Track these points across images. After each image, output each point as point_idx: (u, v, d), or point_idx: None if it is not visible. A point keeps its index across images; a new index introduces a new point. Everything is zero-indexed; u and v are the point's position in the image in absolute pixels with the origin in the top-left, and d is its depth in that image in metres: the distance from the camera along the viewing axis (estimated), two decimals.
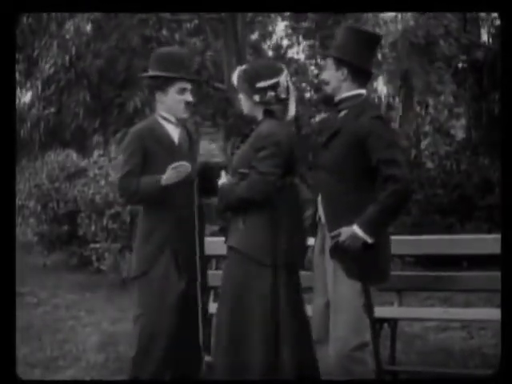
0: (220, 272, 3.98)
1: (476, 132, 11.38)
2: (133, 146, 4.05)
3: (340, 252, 3.48)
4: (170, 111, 4.06)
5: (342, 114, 3.66)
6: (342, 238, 3.46)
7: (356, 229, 3.45)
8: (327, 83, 3.69)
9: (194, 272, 3.96)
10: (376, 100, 12.88)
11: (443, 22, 10.03)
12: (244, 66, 3.87)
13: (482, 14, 11.72)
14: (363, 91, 3.70)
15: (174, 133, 4.07)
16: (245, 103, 3.81)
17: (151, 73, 4.09)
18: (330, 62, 3.68)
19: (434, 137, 12.34)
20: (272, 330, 3.59)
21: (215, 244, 4.45)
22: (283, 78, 3.72)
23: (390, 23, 9.43)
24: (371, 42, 3.73)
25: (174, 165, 3.84)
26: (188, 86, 4.02)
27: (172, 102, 4.03)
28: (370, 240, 3.44)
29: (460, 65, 11.33)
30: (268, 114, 3.74)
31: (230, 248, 3.75)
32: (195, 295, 3.95)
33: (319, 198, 3.70)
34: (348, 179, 3.56)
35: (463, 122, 12.64)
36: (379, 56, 10.11)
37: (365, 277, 3.50)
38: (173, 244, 3.96)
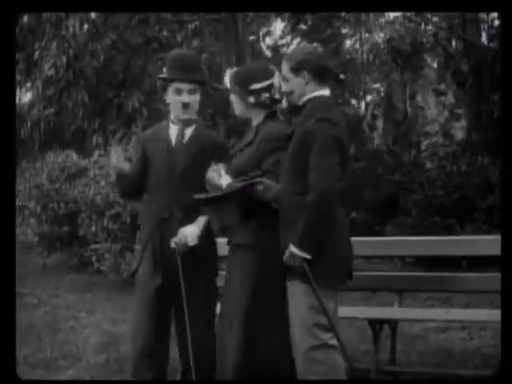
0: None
1: (476, 133, 11.39)
2: (134, 148, 4.20)
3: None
4: (172, 112, 4.08)
5: (299, 113, 3.67)
6: (285, 259, 3.48)
7: (292, 247, 3.45)
8: (291, 93, 3.67)
9: (174, 272, 3.89)
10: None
11: (432, 30, 10.08)
12: (236, 69, 3.92)
13: (482, 14, 11.73)
14: (326, 91, 3.67)
15: (174, 134, 4.06)
16: (238, 105, 3.83)
17: (158, 75, 4.20)
18: (287, 72, 3.65)
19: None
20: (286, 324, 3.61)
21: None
22: (276, 80, 3.75)
23: (377, 29, 9.47)
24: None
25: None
26: (184, 86, 3.98)
27: (171, 103, 4.05)
28: (307, 255, 3.42)
29: (460, 66, 11.36)
30: (270, 115, 3.77)
31: (239, 246, 3.74)
32: (175, 296, 3.90)
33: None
34: (300, 182, 3.52)
35: (463, 122, 12.65)
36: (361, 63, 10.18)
37: (311, 279, 3.46)
38: (153, 242, 3.98)
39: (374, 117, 14.25)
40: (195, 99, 4.02)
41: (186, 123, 4.07)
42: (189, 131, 4.07)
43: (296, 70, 3.61)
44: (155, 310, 3.93)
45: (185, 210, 3.91)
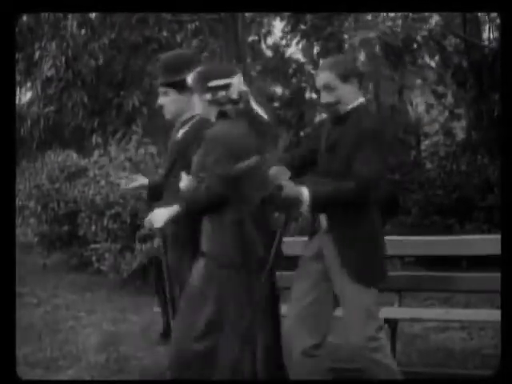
0: None
1: (476, 133, 11.39)
2: None
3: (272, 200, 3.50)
4: None
5: (345, 121, 3.67)
6: (286, 190, 3.46)
7: (304, 189, 3.46)
8: (337, 102, 3.67)
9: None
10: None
11: (426, 26, 10.06)
12: (199, 68, 3.93)
13: (482, 14, 11.73)
14: (363, 98, 3.74)
15: (173, 134, 4.14)
16: (197, 103, 3.84)
17: None
18: (333, 81, 3.65)
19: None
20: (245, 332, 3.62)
21: None
22: (236, 80, 3.76)
23: (370, 24, 9.45)
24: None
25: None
26: (165, 89, 4.08)
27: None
28: (305, 206, 3.44)
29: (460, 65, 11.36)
30: (221, 114, 3.78)
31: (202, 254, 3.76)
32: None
33: None
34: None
35: (463, 122, 12.65)
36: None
37: (367, 279, 3.58)
38: None
39: None
40: (166, 101, 4.10)
41: (179, 124, 4.12)
42: (181, 131, 4.10)
43: (343, 77, 3.63)
44: None
45: None
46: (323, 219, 3.70)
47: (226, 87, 3.73)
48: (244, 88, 3.75)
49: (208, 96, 3.74)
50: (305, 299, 3.73)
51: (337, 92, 3.64)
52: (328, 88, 3.65)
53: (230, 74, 3.77)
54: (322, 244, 3.72)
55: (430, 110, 13.68)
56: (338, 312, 3.79)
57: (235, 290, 3.61)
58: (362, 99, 3.72)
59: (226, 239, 3.63)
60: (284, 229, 3.63)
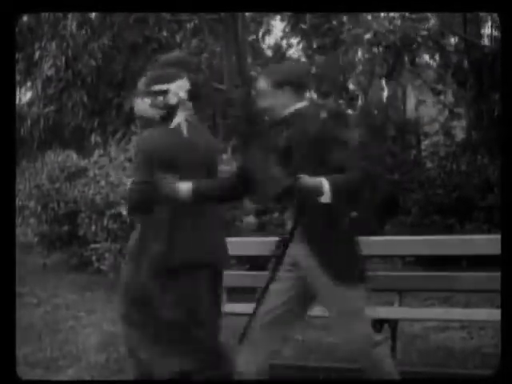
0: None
1: (476, 132, 11.40)
2: None
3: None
4: None
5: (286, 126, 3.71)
6: (305, 181, 3.44)
7: (323, 180, 3.45)
8: (271, 109, 3.74)
9: None
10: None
11: (425, 26, 10.07)
12: (148, 72, 4.05)
13: (482, 14, 11.73)
14: (302, 103, 3.76)
15: None
16: (141, 107, 3.91)
17: None
18: (267, 86, 3.71)
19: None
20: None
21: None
22: (175, 86, 3.82)
23: (367, 22, 9.46)
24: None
25: None
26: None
27: None
28: (327, 196, 3.42)
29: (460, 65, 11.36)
30: (162, 119, 3.87)
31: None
32: None
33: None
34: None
35: (463, 122, 12.66)
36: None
37: (350, 279, 3.58)
38: None
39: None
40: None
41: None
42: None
43: (278, 84, 3.68)
44: None
45: None
46: (297, 230, 3.67)
47: (165, 93, 3.82)
48: (185, 96, 3.83)
49: (148, 100, 3.85)
50: (275, 303, 3.72)
51: (270, 99, 3.70)
52: (263, 94, 3.73)
53: (170, 80, 3.84)
54: (297, 253, 3.68)
55: (421, 106, 13.69)
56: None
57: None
58: (300, 104, 3.72)
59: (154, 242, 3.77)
60: (292, 235, 3.62)
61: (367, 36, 8.90)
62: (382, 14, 9.89)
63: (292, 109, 3.70)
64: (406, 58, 10.62)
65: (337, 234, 3.61)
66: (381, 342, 3.68)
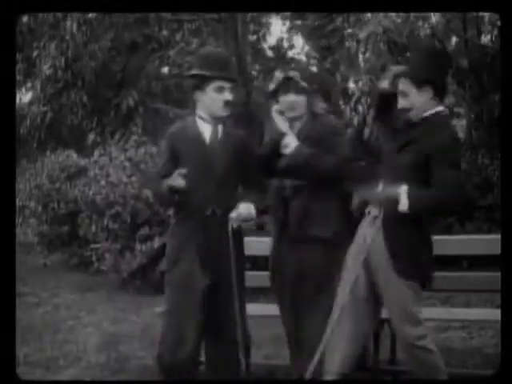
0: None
1: (476, 132, 11.38)
2: (163, 147, 4.25)
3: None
4: (208, 110, 4.06)
5: (418, 126, 3.71)
6: (389, 191, 3.58)
7: (403, 190, 3.54)
8: (410, 109, 3.72)
9: (220, 270, 3.93)
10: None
11: (429, 23, 10.05)
12: None
13: (482, 14, 11.71)
14: (443, 108, 3.76)
15: (207, 132, 4.07)
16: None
17: (192, 72, 4.13)
18: (407, 84, 3.70)
19: None
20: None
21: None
22: None
23: (373, 20, 9.44)
24: (446, 59, 3.89)
25: (179, 171, 3.87)
26: (226, 84, 4.02)
27: (210, 101, 4.03)
28: (405, 207, 3.54)
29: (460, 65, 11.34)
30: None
31: None
32: (224, 293, 3.92)
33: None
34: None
35: (463, 122, 12.64)
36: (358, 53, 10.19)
37: (413, 275, 3.67)
38: (196, 240, 3.96)
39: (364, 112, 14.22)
40: (233, 97, 4.09)
41: (218, 121, 4.08)
42: (220, 128, 4.09)
43: (419, 83, 3.68)
44: (203, 310, 3.91)
45: (224, 208, 3.95)
46: (374, 211, 3.74)
47: None
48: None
49: None
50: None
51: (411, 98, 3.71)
52: (403, 93, 3.72)
53: None
54: (366, 234, 3.75)
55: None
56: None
57: None
58: (440, 108, 3.74)
59: None
60: None
61: (377, 30, 8.89)
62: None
63: (433, 111, 3.70)
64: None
65: (412, 229, 3.66)
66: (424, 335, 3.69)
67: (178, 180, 3.86)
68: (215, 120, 4.06)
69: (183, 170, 3.84)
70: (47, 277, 9.39)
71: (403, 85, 3.71)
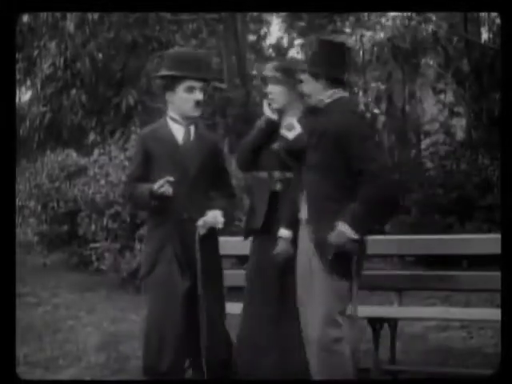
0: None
1: (476, 132, 11.38)
2: (135, 149, 4.21)
3: (327, 249, 3.57)
4: (179, 110, 4.03)
5: (325, 115, 3.74)
6: (331, 238, 3.56)
7: (341, 225, 3.51)
8: (309, 96, 3.80)
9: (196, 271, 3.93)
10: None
11: (431, 28, 10.09)
12: None
13: (482, 14, 11.73)
14: (344, 93, 3.82)
15: (180, 133, 4.04)
16: None
17: (161, 72, 4.11)
18: (306, 76, 3.78)
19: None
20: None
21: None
22: None
23: (376, 28, 9.49)
24: (342, 50, 3.85)
25: (167, 178, 3.85)
26: (196, 84, 3.99)
27: (180, 101, 4.00)
28: (354, 236, 3.53)
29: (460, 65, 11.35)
30: None
31: None
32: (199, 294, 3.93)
33: (303, 198, 3.78)
34: (332, 178, 3.64)
35: (463, 121, 12.64)
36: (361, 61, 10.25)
37: (340, 271, 3.61)
38: (173, 243, 3.95)
39: (373, 115, 14.23)
40: (204, 97, 4.06)
41: (192, 121, 4.06)
42: (192, 130, 4.07)
43: (315, 76, 3.75)
44: (185, 311, 3.89)
45: (198, 210, 3.94)
46: (303, 212, 3.76)
47: None
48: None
49: None
50: None
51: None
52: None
53: None
54: (300, 236, 3.80)
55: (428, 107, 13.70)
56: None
57: None
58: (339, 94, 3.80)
59: None
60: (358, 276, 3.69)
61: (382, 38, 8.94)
62: (390, 15, 9.91)
63: (333, 97, 3.75)
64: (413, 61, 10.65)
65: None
66: (341, 339, 3.66)
67: (166, 187, 3.83)
68: (187, 121, 4.03)
69: (171, 178, 3.82)
70: (47, 276, 9.39)
71: (302, 75, 3.80)
